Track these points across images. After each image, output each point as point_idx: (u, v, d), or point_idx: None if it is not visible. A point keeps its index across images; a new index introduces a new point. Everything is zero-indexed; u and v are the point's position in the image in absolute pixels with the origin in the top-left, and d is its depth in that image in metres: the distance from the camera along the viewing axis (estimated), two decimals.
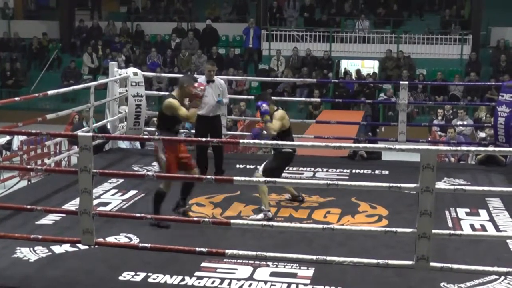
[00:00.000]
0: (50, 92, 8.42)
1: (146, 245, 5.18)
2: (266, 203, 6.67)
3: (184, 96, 6.36)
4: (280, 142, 6.29)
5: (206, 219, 5.41)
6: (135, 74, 9.58)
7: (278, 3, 20.92)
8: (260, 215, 6.60)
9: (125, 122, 9.64)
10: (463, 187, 4.92)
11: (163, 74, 14.93)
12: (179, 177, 6.15)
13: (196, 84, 6.34)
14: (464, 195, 6.76)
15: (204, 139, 5.89)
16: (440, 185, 5.78)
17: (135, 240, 5.90)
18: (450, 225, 6.47)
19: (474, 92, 17.15)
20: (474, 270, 4.93)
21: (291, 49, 19.30)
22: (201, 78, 8.07)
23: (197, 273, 5.21)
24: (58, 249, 5.67)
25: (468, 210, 6.92)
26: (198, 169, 6.74)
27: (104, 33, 21.50)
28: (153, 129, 10.24)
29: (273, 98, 7.13)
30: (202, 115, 7.88)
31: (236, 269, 5.30)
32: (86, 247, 5.37)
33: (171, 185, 6.33)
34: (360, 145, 5.28)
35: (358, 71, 18.83)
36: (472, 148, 5.62)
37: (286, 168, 7.22)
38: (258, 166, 6.97)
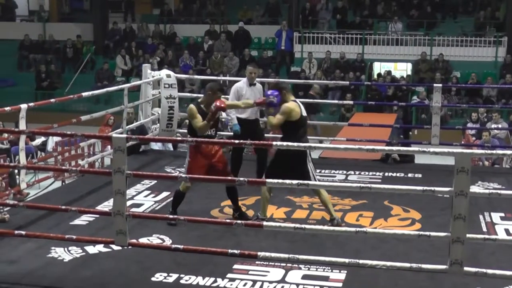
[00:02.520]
0: (85, 94, 8.51)
1: (179, 246, 5.20)
2: (265, 210, 6.49)
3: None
4: (316, 145, 6.22)
5: (239, 221, 5.43)
6: (168, 76, 9.62)
7: (311, 5, 20.86)
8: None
9: (158, 124, 9.70)
10: (498, 191, 4.86)
11: (196, 76, 15.06)
12: (208, 179, 6.16)
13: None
14: (498, 200, 6.69)
15: (241, 141, 5.84)
16: (474, 189, 5.71)
17: (168, 241, 5.94)
18: (485, 229, 6.39)
19: (509, 95, 16.92)
20: (509, 276, 4.86)
21: (324, 52, 19.23)
22: (243, 81, 7.83)
23: (229, 275, 5.23)
24: (91, 249, 5.74)
25: (503, 214, 6.83)
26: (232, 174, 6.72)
27: (137, 35, 21.67)
28: (186, 130, 10.31)
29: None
30: (245, 119, 7.68)
31: (268, 272, 5.30)
32: (119, 247, 5.42)
33: (188, 187, 6.43)
34: (394, 148, 5.24)
35: (389, 73, 18.70)
36: (508, 152, 5.52)
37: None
38: None
